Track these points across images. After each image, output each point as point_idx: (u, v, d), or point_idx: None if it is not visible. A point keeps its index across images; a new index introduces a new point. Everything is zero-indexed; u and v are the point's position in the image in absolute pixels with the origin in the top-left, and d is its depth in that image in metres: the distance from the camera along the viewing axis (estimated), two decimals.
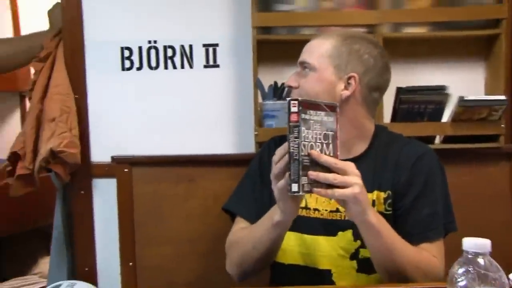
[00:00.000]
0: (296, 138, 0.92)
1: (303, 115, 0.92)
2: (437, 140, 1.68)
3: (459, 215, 1.23)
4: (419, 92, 1.59)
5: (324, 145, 0.96)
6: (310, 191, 0.94)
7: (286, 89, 1.59)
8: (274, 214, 1.10)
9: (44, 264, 3.05)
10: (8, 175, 1.66)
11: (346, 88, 1.21)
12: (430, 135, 1.64)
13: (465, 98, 1.53)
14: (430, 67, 1.72)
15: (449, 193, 1.23)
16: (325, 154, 0.96)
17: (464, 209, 1.31)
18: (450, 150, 1.61)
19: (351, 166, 0.98)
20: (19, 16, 3.24)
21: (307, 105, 0.93)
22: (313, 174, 0.93)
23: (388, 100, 1.59)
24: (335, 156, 0.97)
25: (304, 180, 0.93)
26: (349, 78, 1.21)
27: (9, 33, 3.18)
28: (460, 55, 1.73)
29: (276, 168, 0.98)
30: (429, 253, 1.14)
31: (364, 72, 1.22)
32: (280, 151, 0.99)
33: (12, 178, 1.64)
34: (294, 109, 0.91)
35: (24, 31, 3.16)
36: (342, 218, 1.21)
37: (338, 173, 0.96)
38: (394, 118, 1.64)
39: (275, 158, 1.00)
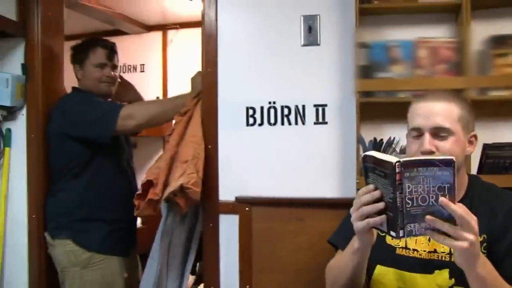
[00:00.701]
0: (400, 193, 1.02)
1: (407, 174, 1.01)
2: None
3: None
4: (504, 148, 1.75)
5: (439, 196, 1.02)
6: (414, 235, 1.05)
7: (384, 143, 1.81)
8: (354, 243, 1.23)
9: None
10: (137, 197, 1.96)
11: (469, 145, 1.34)
12: None
13: None
14: None
15: None
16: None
17: None
18: None
19: (471, 223, 1.03)
20: (167, 80, 3.87)
21: (413, 164, 1.02)
22: (430, 219, 1.02)
23: (475, 154, 1.71)
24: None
25: (410, 226, 1.03)
26: (471, 136, 1.34)
27: (159, 93, 3.94)
28: None
29: (362, 210, 1.10)
30: None
31: (474, 129, 1.36)
32: (367, 197, 1.10)
33: (141, 200, 1.94)
34: (398, 169, 1.01)
35: (171, 92, 3.93)
36: (439, 258, 1.30)
37: (458, 224, 1.02)
38: (480, 170, 1.78)
39: (363, 199, 1.11)
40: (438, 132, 1.28)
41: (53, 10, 2.38)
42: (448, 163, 1.02)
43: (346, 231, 1.36)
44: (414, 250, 1.34)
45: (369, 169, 1.12)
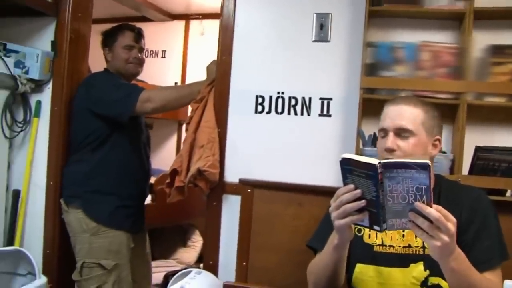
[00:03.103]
0: (382, 191, 1.10)
1: (387, 174, 1.09)
2: (508, 193, 1.88)
3: None
4: (495, 151, 1.82)
5: (418, 196, 1.08)
6: (396, 229, 1.14)
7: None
8: (334, 239, 1.29)
9: (181, 253, 3.70)
10: (167, 186, 2.13)
11: (433, 148, 1.42)
12: (501, 188, 1.84)
13: None
14: (505, 131, 1.95)
15: (500, 226, 1.39)
16: (419, 201, 1.09)
17: None
18: None
19: (448, 224, 1.08)
20: (186, 68, 4.01)
21: (394, 165, 1.09)
22: (412, 215, 1.09)
23: (467, 156, 1.84)
24: (428, 204, 1.08)
25: (392, 221, 1.12)
26: (435, 140, 1.43)
27: (177, 79, 4.16)
28: None
29: (345, 208, 1.16)
30: (494, 281, 1.28)
31: (440, 133, 1.45)
32: (347, 196, 1.15)
33: (170, 188, 2.11)
34: (380, 170, 1.08)
35: (189, 78, 4.10)
36: (414, 252, 1.39)
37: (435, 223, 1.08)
38: (471, 171, 1.86)
39: (344, 198, 1.16)
40: (401, 133, 1.39)
41: None
42: (423, 167, 1.07)
43: (324, 234, 1.42)
44: (390, 246, 1.42)
45: (347, 171, 1.17)
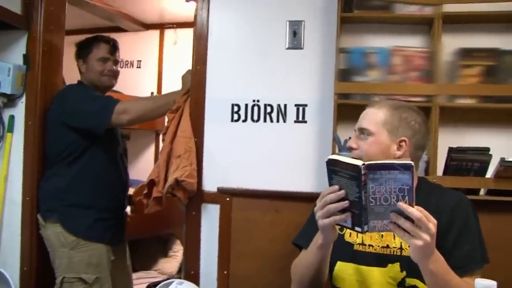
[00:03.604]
0: (365, 192, 1.10)
1: (371, 175, 1.09)
2: (482, 192, 1.93)
3: (495, 258, 1.40)
4: (467, 152, 1.86)
5: (400, 196, 1.09)
6: (377, 230, 1.14)
7: None
8: (318, 239, 1.31)
9: (162, 264, 3.69)
10: (144, 197, 2.12)
11: (398, 149, 1.41)
12: (475, 187, 1.89)
13: (506, 159, 1.78)
14: (477, 132, 2.00)
15: (481, 230, 1.40)
16: (401, 202, 1.10)
17: (499, 253, 1.50)
18: (492, 201, 1.85)
19: (429, 224, 1.10)
20: (162, 77, 4.01)
21: (378, 167, 1.10)
22: (393, 216, 1.10)
23: (441, 157, 1.88)
24: (410, 204, 1.10)
25: (373, 222, 1.13)
26: (401, 141, 1.41)
27: (154, 88, 4.19)
28: (503, 123, 1.99)
29: (328, 208, 1.18)
30: (473, 285, 1.30)
31: (412, 136, 1.42)
32: (332, 196, 1.17)
33: (148, 199, 2.10)
34: (363, 171, 1.09)
35: (165, 87, 4.15)
36: (391, 253, 1.40)
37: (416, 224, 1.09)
38: (445, 172, 1.89)
39: (328, 198, 1.18)
40: (361, 133, 1.45)
41: (56, 5, 2.51)
42: (407, 167, 1.09)
43: (309, 232, 1.45)
44: (369, 245, 1.44)
45: (332, 172, 1.18)
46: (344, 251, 1.47)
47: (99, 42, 2.45)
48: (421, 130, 1.45)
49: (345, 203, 1.17)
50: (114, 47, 2.49)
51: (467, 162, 1.88)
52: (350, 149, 1.46)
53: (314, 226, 1.33)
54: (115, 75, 2.49)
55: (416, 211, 1.09)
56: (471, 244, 1.37)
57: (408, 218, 1.10)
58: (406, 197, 1.10)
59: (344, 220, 1.19)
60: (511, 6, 1.94)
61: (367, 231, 1.15)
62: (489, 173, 1.88)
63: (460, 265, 1.30)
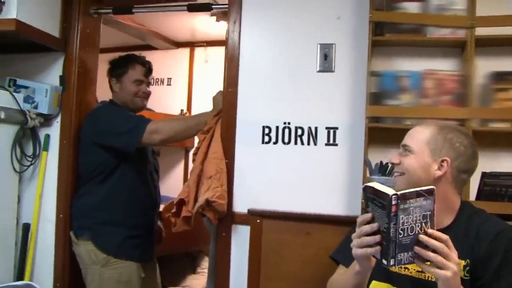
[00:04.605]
0: (394, 224, 1.09)
1: (402, 206, 1.09)
2: None
3: None
4: (501, 177, 1.83)
5: (423, 224, 1.10)
6: (403, 264, 1.13)
7: (389, 166, 1.89)
8: (355, 265, 1.32)
9: (190, 280, 3.72)
10: (173, 215, 2.15)
11: (439, 169, 1.40)
12: (509, 213, 1.82)
13: None
14: (510, 156, 1.98)
15: None
16: (424, 230, 1.11)
17: None
18: None
19: (453, 255, 1.12)
20: (192, 94, 4.07)
21: (407, 196, 1.09)
22: (418, 249, 1.11)
23: (474, 181, 1.83)
24: (432, 229, 1.11)
25: (400, 255, 1.11)
26: (442, 161, 1.40)
27: (183, 106, 4.28)
28: None
29: (362, 240, 1.19)
30: None
31: (455, 157, 1.41)
32: (367, 228, 1.18)
33: (177, 218, 2.12)
34: (394, 202, 1.08)
35: (195, 105, 4.25)
36: (426, 278, 1.39)
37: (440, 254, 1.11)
38: (478, 197, 1.87)
39: (364, 229, 1.19)
40: (404, 149, 1.47)
41: (91, 27, 2.59)
42: (430, 192, 1.11)
43: (347, 248, 1.40)
44: (405, 268, 1.44)
45: (369, 198, 1.19)
46: (380, 270, 1.44)
47: (135, 63, 2.49)
48: (466, 152, 1.44)
49: (377, 237, 1.17)
50: (149, 70, 2.54)
51: (501, 187, 1.85)
52: (392, 164, 1.50)
53: (351, 241, 1.33)
54: (147, 96, 2.54)
55: (436, 242, 1.11)
56: (510, 278, 1.32)
57: (431, 248, 1.11)
58: (429, 223, 1.11)
59: (376, 252, 1.19)
60: None
61: (393, 265, 1.14)
62: None
63: None
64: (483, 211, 1.50)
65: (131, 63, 2.50)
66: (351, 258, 1.42)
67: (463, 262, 1.35)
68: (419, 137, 1.46)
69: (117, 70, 2.51)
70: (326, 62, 2.14)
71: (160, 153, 3.88)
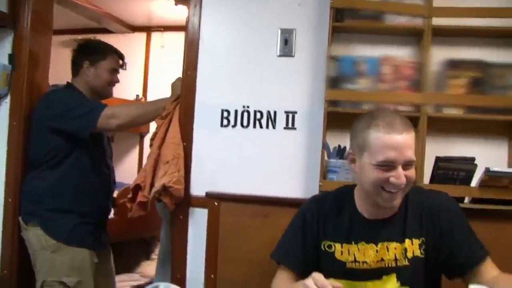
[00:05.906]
0: None
1: None
2: (466, 200, 1.95)
3: None
4: (453, 161, 1.89)
5: None
6: None
7: (347, 150, 1.93)
8: None
9: (144, 266, 3.66)
10: (129, 201, 2.11)
11: None
12: (460, 196, 1.91)
13: (491, 169, 1.82)
14: (463, 141, 2.04)
15: None
16: None
17: None
18: (476, 209, 1.86)
19: None
20: (148, 80, 4.00)
21: None
22: None
23: (428, 165, 1.91)
24: None
25: None
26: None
27: (139, 91, 4.23)
28: (488, 133, 2.04)
29: None
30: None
31: None
32: None
33: (133, 203, 2.08)
34: None
35: (150, 90, 4.18)
36: (386, 265, 1.40)
37: None
38: (432, 180, 1.93)
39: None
40: (407, 164, 1.32)
41: (43, 5, 2.47)
42: None
43: (287, 246, 1.49)
44: (364, 262, 1.43)
45: None
46: (335, 270, 1.46)
47: (113, 53, 2.48)
48: None
49: None
50: (123, 62, 2.54)
51: (453, 171, 1.91)
52: (398, 185, 1.33)
53: (292, 239, 1.43)
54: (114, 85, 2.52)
55: None
56: (471, 233, 1.42)
57: None
58: None
59: None
60: (497, 22, 2.00)
61: None
62: (474, 182, 1.92)
63: (474, 253, 1.36)
64: (420, 187, 1.55)
65: (110, 52, 2.47)
66: (293, 258, 1.50)
67: (417, 241, 1.40)
68: (413, 145, 1.34)
69: (93, 54, 2.43)
70: (287, 47, 2.14)
71: (114, 138, 3.80)
